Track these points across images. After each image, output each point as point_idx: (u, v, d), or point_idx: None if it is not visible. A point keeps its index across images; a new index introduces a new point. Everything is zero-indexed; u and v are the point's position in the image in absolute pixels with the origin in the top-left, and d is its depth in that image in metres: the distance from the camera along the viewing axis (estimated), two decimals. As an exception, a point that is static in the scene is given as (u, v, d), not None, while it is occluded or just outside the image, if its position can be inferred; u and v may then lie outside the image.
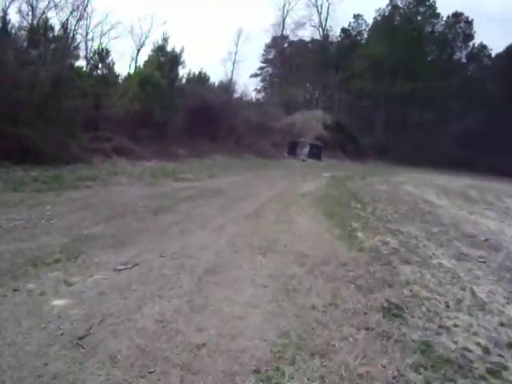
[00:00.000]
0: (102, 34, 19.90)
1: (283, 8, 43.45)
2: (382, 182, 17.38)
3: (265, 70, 53.41)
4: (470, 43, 41.91)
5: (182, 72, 24.58)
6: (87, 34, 19.68)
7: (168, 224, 5.79)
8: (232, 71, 34.61)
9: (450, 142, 38.48)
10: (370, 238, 6.14)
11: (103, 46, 19.43)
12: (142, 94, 17.98)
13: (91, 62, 18.82)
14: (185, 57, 22.43)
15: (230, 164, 17.63)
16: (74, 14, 18.70)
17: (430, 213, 9.92)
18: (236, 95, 30.09)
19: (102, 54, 18.79)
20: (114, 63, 19.16)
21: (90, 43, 21.13)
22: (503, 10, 57.79)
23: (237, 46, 35.37)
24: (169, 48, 21.73)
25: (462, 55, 42.77)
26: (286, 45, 48.67)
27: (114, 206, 6.84)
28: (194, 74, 28.39)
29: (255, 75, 52.13)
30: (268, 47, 50.92)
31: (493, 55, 43.66)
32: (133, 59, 27.56)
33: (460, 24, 41.00)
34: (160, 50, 21.47)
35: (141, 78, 17.97)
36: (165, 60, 21.45)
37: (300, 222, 6.55)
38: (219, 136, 23.06)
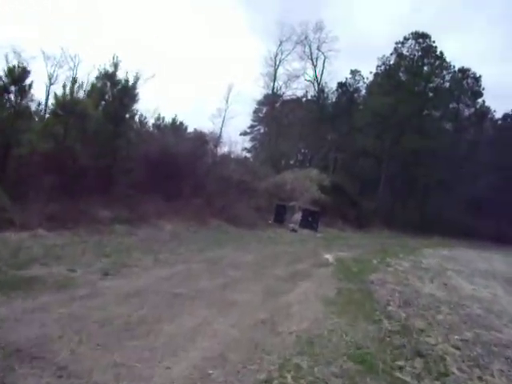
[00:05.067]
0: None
1: (275, 58, 39.73)
2: (419, 273, 10.98)
3: (256, 128, 49.31)
4: (479, 100, 38.08)
5: (140, 110, 18.94)
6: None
7: None
8: (221, 128, 30.03)
9: (458, 206, 34.73)
10: None
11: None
12: (58, 127, 12.10)
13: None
14: (140, 90, 16.72)
15: (179, 238, 11.10)
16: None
17: None
18: (220, 150, 24.64)
19: (15, 74, 13.09)
20: (30, 86, 13.36)
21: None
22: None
23: (227, 102, 31.19)
24: (120, 76, 16.24)
25: (469, 112, 38.72)
26: (278, 103, 44.77)
27: None
28: (163, 118, 23.14)
29: (245, 133, 47.75)
30: (259, 104, 47.12)
31: (497, 116, 40.51)
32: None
33: (467, 80, 37.35)
34: (107, 77, 15.96)
35: (58, 104, 12.15)
36: (112, 91, 15.91)
37: None
38: (182, 195, 16.95)
